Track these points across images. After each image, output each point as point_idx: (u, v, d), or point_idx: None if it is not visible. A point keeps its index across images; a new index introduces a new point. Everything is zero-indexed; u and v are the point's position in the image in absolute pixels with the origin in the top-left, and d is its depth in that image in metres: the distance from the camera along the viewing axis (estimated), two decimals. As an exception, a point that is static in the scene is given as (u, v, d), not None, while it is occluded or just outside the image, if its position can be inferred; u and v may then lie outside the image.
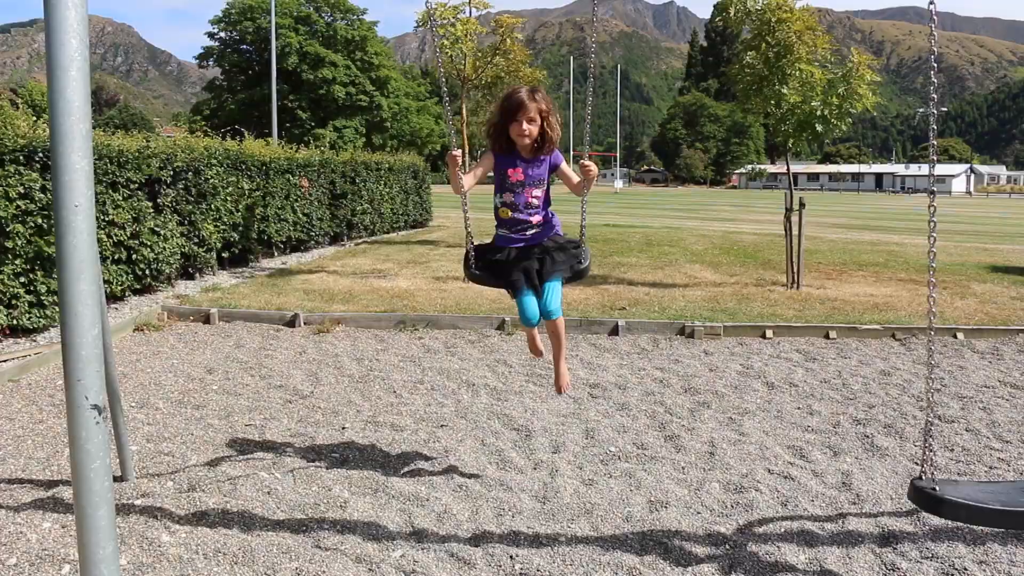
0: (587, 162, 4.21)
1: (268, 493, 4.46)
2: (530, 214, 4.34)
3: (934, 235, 3.31)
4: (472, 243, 4.50)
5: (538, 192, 4.33)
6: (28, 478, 4.62)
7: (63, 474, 4.64)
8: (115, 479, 4.39)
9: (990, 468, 4.99)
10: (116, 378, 4.39)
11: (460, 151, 4.25)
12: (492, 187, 4.42)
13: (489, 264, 4.44)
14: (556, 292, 4.31)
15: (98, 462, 3.01)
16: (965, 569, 3.66)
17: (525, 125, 4.17)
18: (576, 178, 4.39)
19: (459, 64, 12.95)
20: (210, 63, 71.68)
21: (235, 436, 5.41)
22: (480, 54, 13.57)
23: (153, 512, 4.18)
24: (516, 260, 4.34)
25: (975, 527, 4.07)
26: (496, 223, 4.46)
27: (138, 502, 4.31)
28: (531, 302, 4.27)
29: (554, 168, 4.38)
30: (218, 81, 73.24)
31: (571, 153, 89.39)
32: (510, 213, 4.35)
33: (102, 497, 3.03)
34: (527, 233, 4.37)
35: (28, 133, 8.17)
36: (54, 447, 5.11)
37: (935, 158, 3.30)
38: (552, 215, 4.44)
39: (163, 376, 6.91)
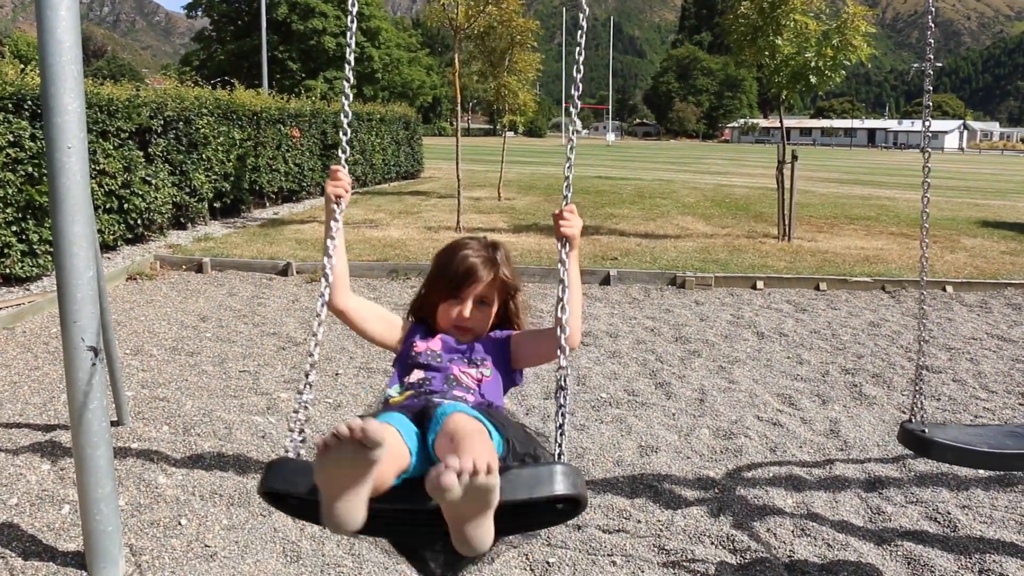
0: (566, 215, 2.35)
1: (263, 437, 4.50)
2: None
3: (927, 181, 3.32)
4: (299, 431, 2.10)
5: (473, 373, 2.40)
6: (26, 422, 4.65)
7: (60, 419, 4.67)
8: (112, 423, 4.42)
9: (975, 417, 5.06)
10: (111, 324, 4.41)
11: (344, 173, 2.52)
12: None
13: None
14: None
15: (95, 403, 3.05)
16: (949, 513, 3.74)
17: (468, 309, 2.44)
18: (533, 344, 2.51)
19: (451, 12, 12.79)
20: (199, 13, 70.56)
21: (229, 382, 5.44)
22: (473, 3, 13.40)
23: (150, 455, 4.23)
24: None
25: (959, 472, 4.14)
26: None
27: (134, 445, 4.35)
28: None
29: (505, 343, 2.51)
30: (207, 31, 72.18)
31: (563, 106, 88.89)
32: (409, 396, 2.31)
33: (100, 437, 3.07)
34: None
35: (16, 81, 8.08)
36: (50, 393, 5.14)
37: (929, 105, 3.31)
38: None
39: (157, 324, 6.92)
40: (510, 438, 2.07)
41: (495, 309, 2.51)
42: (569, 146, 2.31)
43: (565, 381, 2.10)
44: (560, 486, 1.85)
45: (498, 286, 2.49)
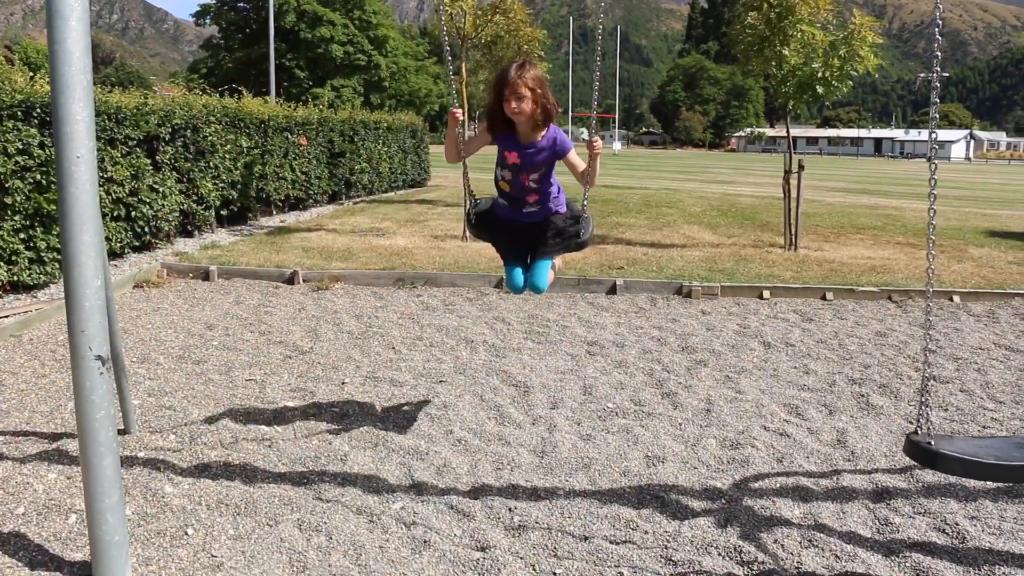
0: (597, 140, 4.15)
1: (269, 446, 4.50)
2: (526, 194, 4.29)
3: (934, 193, 3.32)
4: (473, 197, 4.54)
5: (535, 176, 4.22)
6: (33, 431, 4.66)
7: (67, 427, 4.68)
8: (118, 432, 4.42)
9: (983, 428, 5.04)
10: (118, 333, 4.42)
11: (461, 110, 4.20)
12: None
13: (488, 222, 4.47)
14: (543, 270, 4.31)
15: (102, 412, 3.05)
16: (957, 524, 3.72)
17: (514, 103, 3.99)
18: (582, 166, 4.24)
19: (459, 22, 12.82)
20: (207, 21, 70.92)
21: (235, 391, 5.45)
22: (480, 12, 13.43)
23: (156, 464, 4.23)
24: (510, 230, 4.39)
25: (967, 483, 4.13)
26: (496, 189, 4.46)
27: (141, 454, 4.36)
28: (518, 274, 4.33)
29: (560, 156, 4.21)
30: (215, 39, 72.54)
31: (570, 115, 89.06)
32: (508, 188, 4.31)
33: (107, 447, 3.07)
34: (523, 211, 4.35)
35: (25, 88, 8.12)
36: (57, 401, 5.15)
37: (936, 117, 3.30)
38: (556, 191, 4.37)
39: (163, 332, 6.94)
40: (552, 242, 4.37)
41: (532, 99, 3.99)
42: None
43: (586, 196, 4.38)
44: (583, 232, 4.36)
45: (525, 83, 3.96)
